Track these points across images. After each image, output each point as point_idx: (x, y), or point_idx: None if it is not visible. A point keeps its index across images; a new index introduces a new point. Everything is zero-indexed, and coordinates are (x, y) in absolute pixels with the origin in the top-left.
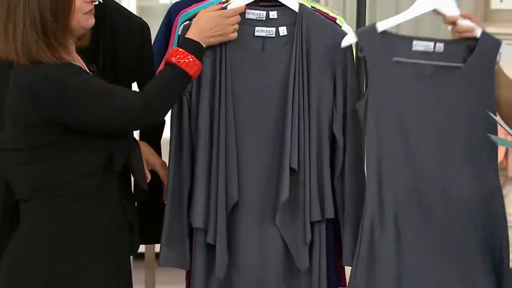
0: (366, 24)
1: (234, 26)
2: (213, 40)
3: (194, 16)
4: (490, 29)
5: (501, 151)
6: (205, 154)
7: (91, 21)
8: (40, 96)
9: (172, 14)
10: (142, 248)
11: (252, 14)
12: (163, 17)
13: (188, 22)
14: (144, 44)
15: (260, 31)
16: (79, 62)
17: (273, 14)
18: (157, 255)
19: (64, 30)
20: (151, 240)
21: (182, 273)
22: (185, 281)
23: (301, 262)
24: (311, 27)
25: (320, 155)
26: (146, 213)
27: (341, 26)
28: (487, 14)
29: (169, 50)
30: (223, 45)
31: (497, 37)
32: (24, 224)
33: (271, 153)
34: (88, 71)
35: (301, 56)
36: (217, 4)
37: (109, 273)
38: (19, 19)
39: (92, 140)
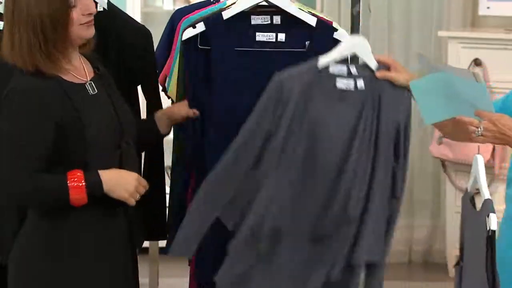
0: (360, 28)
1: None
2: (113, 191)
3: (196, 21)
4: (477, 35)
5: (487, 149)
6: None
7: (91, 32)
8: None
9: (175, 20)
10: (146, 243)
11: (335, 69)
12: (166, 23)
13: (190, 28)
14: (147, 49)
15: (341, 83)
16: (81, 66)
17: (354, 71)
18: (160, 249)
19: (63, 40)
20: (153, 237)
21: (185, 266)
22: (188, 274)
23: None
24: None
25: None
26: (149, 211)
27: (337, 30)
28: (475, 20)
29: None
30: (307, 94)
31: (484, 42)
32: (28, 221)
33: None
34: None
35: (373, 108)
36: (217, 10)
37: (103, 276)
38: (23, 26)
39: (71, 160)
